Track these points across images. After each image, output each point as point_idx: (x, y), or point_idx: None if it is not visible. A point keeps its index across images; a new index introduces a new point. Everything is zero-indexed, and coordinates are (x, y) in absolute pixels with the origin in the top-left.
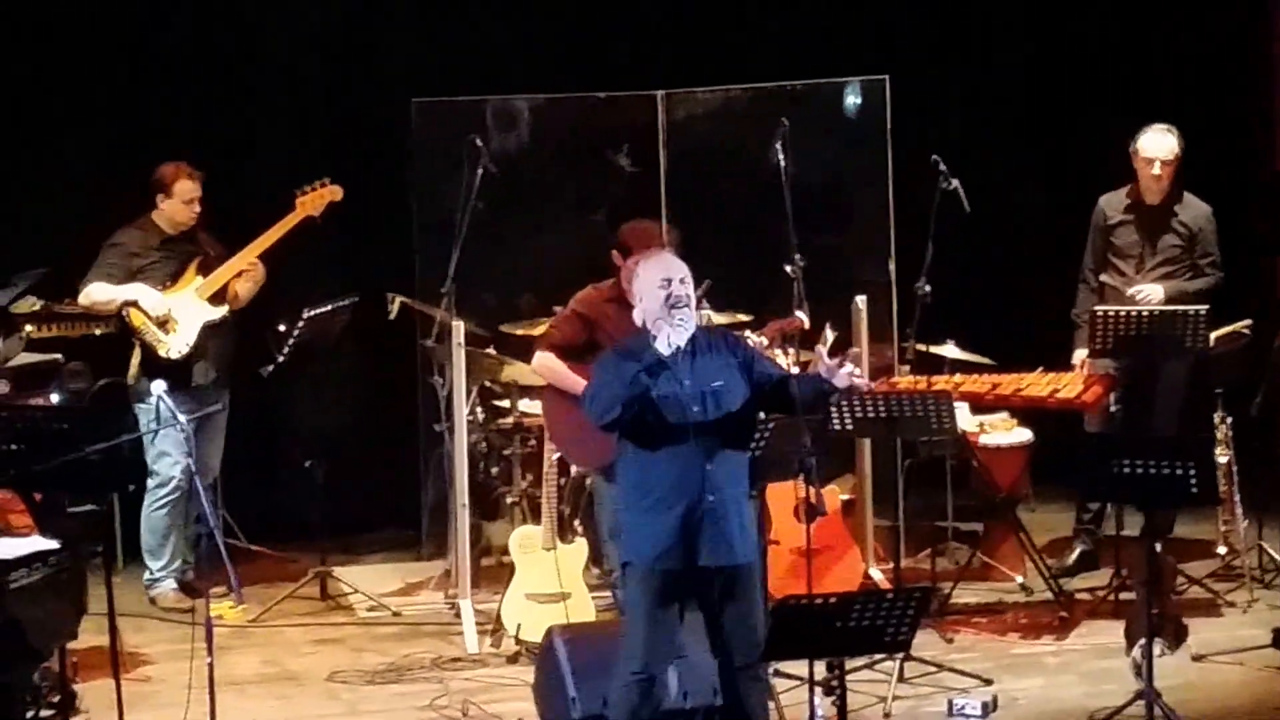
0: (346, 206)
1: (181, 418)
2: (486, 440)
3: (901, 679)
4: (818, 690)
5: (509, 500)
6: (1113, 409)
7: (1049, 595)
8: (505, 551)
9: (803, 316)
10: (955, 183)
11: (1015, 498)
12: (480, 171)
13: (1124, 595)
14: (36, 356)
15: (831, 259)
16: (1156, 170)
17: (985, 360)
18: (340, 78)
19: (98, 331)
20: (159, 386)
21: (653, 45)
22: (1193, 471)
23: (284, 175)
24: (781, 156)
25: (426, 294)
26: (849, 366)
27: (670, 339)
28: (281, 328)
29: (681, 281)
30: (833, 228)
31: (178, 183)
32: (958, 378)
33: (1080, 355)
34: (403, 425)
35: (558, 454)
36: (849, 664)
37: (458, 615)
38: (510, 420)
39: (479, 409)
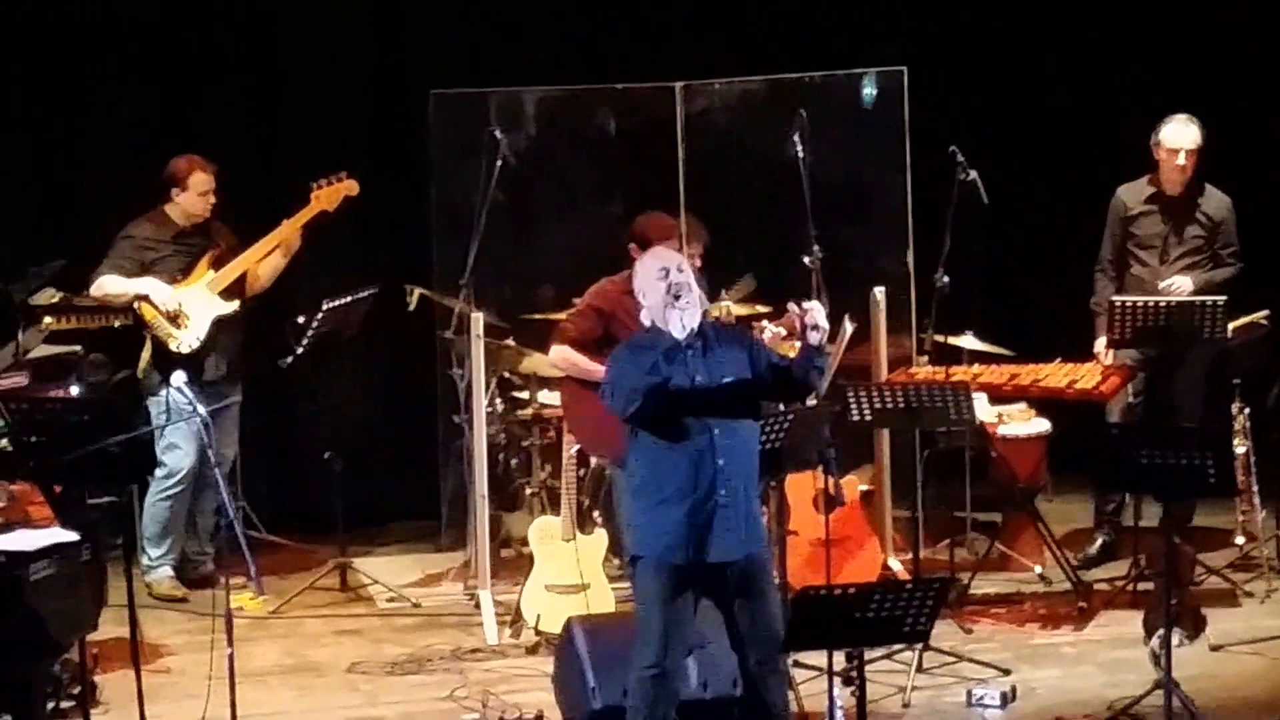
0: (366, 199)
1: (202, 409)
2: (505, 431)
3: (920, 669)
4: (837, 681)
5: (528, 491)
6: (1131, 400)
7: (1067, 586)
8: (525, 542)
9: (820, 305)
10: (973, 174)
11: (1033, 488)
12: (499, 163)
13: (1142, 585)
14: (56, 349)
15: (850, 250)
16: (1181, 160)
17: (1003, 351)
18: (360, 70)
19: (117, 324)
20: (179, 377)
21: (670, 37)
22: (1210, 462)
23: (305, 167)
24: (799, 148)
25: (445, 286)
26: (812, 319)
27: (683, 321)
28: (301, 319)
29: (679, 269)
30: (851, 219)
31: (193, 175)
32: (976, 368)
33: (1102, 344)
34: (422, 417)
35: (577, 446)
36: (868, 654)
37: (477, 606)
38: (529, 411)
39: (498, 400)
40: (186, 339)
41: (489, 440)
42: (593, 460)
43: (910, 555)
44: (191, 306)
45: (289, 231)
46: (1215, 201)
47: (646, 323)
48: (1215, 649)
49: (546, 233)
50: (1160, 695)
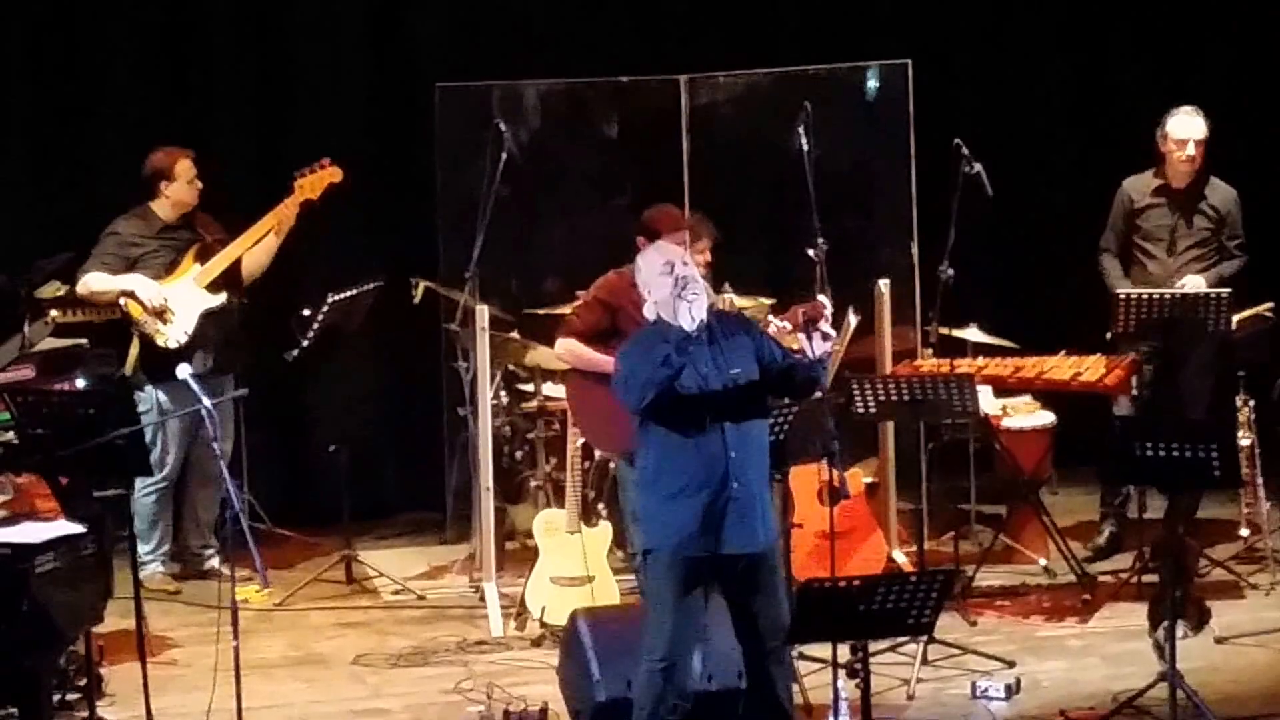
0: (370, 192)
1: (207, 401)
2: (510, 424)
3: (925, 661)
4: (841, 673)
5: (533, 484)
6: (1135, 392)
7: (1072, 578)
8: (529, 535)
9: (825, 300)
10: (978, 166)
11: (1038, 480)
12: (504, 156)
13: (1147, 578)
14: (62, 341)
15: (854, 243)
16: (1190, 151)
17: (1008, 343)
18: (364, 63)
19: (98, 319)
20: (185, 370)
21: (676, 30)
22: (1215, 454)
23: (309, 161)
24: (804, 141)
25: (450, 278)
26: (823, 326)
27: (692, 313)
28: (306, 312)
29: (684, 263)
30: (855, 212)
31: (178, 164)
32: (980, 361)
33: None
34: (427, 409)
35: (582, 438)
36: (872, 647)
37: (482, 599)
38: (534, 404)
39: (503, 393)
40: (173, 334)
41: (494, 433)
42: (597, 453)
43: (915, 548)
44: (177, 301)
45: (272, 223)
46: (1221, 193)
47: (651, 317)
48: (1220, 641)
49: (551, 225)
50: (1165, 687)
